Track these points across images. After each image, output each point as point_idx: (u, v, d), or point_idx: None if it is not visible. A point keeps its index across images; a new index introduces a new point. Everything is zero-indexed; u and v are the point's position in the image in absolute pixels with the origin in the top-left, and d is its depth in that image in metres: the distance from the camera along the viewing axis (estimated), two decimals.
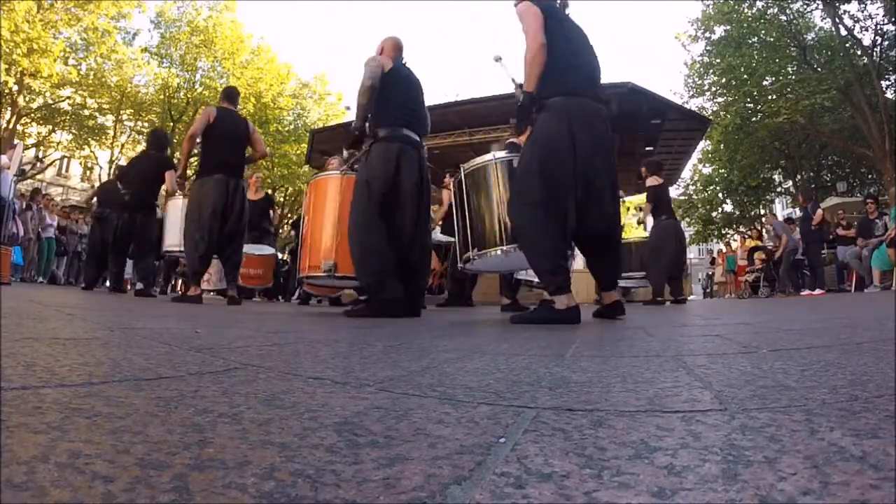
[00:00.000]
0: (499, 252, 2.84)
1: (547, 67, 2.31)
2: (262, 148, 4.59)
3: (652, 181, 6.17)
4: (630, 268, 6.71)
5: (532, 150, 2.38)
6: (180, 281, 9.30)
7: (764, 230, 12.87)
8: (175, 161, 6.39)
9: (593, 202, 2.34)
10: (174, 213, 5.27)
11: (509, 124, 2.62)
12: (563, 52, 2.37)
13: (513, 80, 2.57)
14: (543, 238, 2.30)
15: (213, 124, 4.14)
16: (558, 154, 2.30)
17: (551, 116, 2.35)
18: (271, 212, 7.59)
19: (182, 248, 4.54)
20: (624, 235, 7.21)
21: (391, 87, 2.97)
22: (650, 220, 6.33)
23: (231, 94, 4.59)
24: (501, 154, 2.95)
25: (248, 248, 5.69)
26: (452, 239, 6.58)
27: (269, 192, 7.20)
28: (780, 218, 12.36)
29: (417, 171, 2.95)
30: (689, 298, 8.57)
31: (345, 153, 3.47)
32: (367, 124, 2.98)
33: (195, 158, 5.43)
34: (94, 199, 6.90)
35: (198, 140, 4.25)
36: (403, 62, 3.21)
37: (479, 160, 3.03)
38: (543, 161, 2.31)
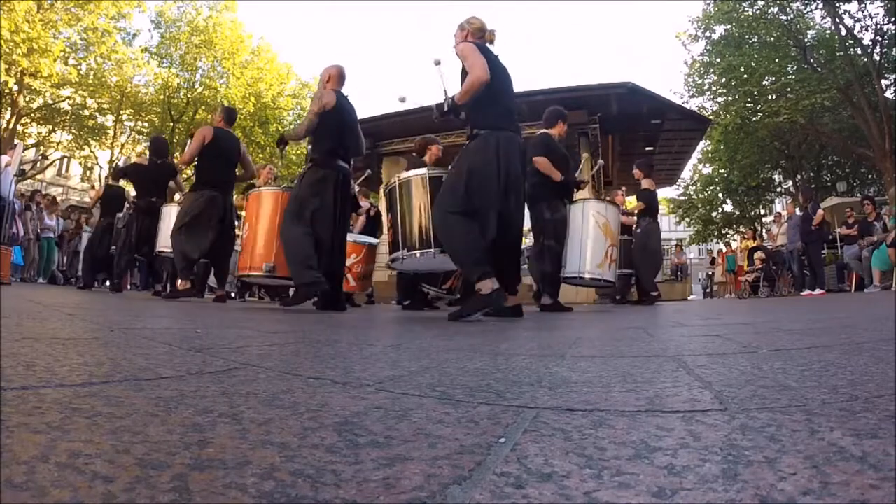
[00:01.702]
0: (423, 253, 3.18)
1: (482, 102, 2.71)
2: (252, 170, 4.94)
3: (647, 184, 6.30)
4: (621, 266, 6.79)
5: (462, 169, 2.74)
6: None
7: (764, 230, 12.87)
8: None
9: (507, 218, 2.77)
10: (169, 218, 5.40)
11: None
12: (496, 90, 2.75)
13: (445, 91, 2.89)
14: (466, 239, 2.63)
15: (211, 143, 4.38)
16: (487, 175, 2.69)
17: (484, 143, 2.73)
18: None
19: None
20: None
21: (329, 123, 3.47)
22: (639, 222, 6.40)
23: (232, 115, 4.87)
24: (434, 171, 3.32)
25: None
26: None
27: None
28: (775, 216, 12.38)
29: (341, 193, 3.51)
30: (689, 298, 8.59)
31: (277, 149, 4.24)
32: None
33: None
34: (98, 201, 6.92)
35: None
36: (342, 91, 3.67)
37: (411, 173, 3.35)
38: (472, 178, 2.68)
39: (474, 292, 2.58)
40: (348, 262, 4.31)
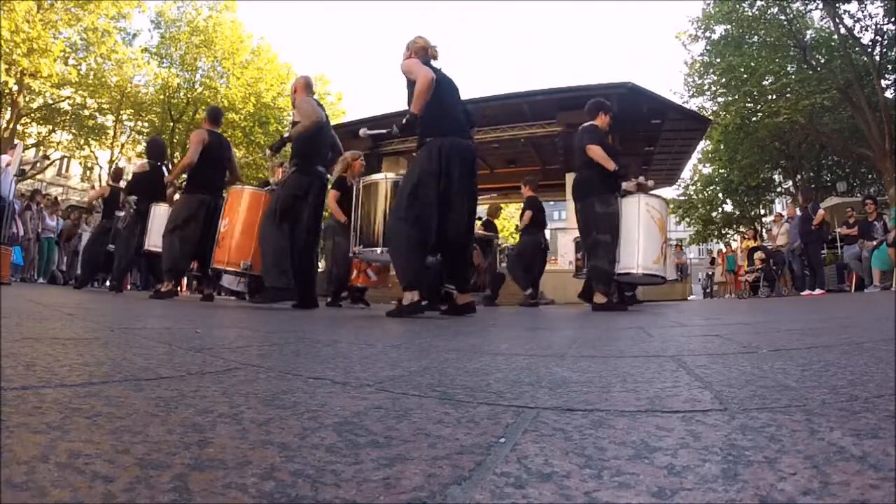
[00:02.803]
0: (378, 251, 3.47)
1: (426, 114, 2.88)
2: (238, 173, 5.01)
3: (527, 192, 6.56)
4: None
5: (409, 177, 2.99)
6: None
7: (764, 230, 12.86)
8: (171, 164, 6.50)
9: (452, 220, 2.95)
10: (157, 217, 5.42)
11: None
12: (439, 101, 2.96)
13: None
14: (405, 245, 2.87)
15: (207, 146, 4.42)
16: (429, 181, 2.90)
17: (428, 152, 2.94)
18: None
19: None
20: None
21: (313, 132, 3.70)
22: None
23: (217, 115, 4.90)
24: (392, 175, 3.60)
25: None
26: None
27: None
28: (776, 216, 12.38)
29: (316, 197, 3.76)
30: (689, 298, 8.58)
31: (268, 151, 4.47)
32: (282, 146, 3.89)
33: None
34: (98, 201, 6.92)
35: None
36: (315, 98, 3.97)
37: (375, 177, 3.68)
38: (416, 185, 2.90)
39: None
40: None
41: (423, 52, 3.12)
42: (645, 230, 4.07)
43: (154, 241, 5.35)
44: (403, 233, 2.87)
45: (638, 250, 4.06)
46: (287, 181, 3.73)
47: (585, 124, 4.16)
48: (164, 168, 5.73)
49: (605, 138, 4.13)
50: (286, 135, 3.87)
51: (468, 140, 3.14)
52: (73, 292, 5.19)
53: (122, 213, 6.31)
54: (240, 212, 4.14)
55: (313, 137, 3.72)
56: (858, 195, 16.38)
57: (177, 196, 5.49)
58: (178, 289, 4.86)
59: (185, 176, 4.73)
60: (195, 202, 4.42)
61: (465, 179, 3.00)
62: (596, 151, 3.86)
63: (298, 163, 3.72)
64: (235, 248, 4.06)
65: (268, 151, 4.46)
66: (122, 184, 6.62)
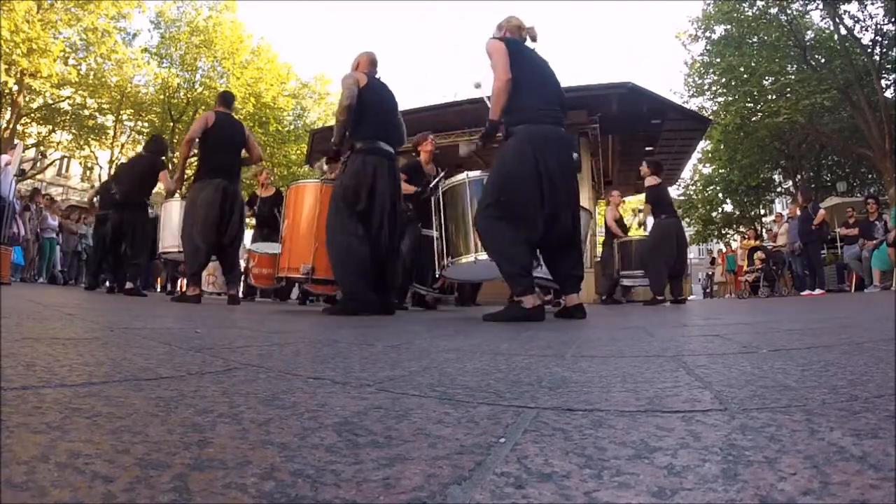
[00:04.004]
0: (471, 259, 3.13)
1: (514, 99, 2.60)
2: (258, 152, 4.67)
3: (651, 181, 6.16)
4: (631, 266, 6.73)
5: (499, 171, 2.65)
6: (181, 281, 9.31)
7: (764, 230, 12.86)
8: (170, 165, 6.44)
9: (555, 216, 2.61)
10: (170, 215, 5.30)
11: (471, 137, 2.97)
12: (528, 84, 2.65)
13: (487, 100, 2.83)
14: (509, 247, 2.56)
15: (211, 129, 4.18)
16: (524, 174, 2.56)
17: (518, 142, 2.61)
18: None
19: (180, 250, 4.62)
20: (630, 235, 7.24)
21: (366, 103, 3.17)
22: (650, 220, 6.32)
23: (228, 98, 4.65)
24: (474, 174, 3.24)
25: (260, 247, 5.73)
26: None
27: (280, 188, 7.19)
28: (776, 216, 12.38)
29: (392, 181, 3.21)
30: (689, 298, 8.58)
31: (324, 165, 3.84)
32: (344, 139, 3.22)
33: (193, 157, 5.52)
34: (96, 198, 6.90)
35: (195, 144, 4.29)
36: (377, 76, 3.40)
37: (455, 179, 3.32)
38: (510, 180, 2.59)
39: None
40: None
41: (516, 31, 2.82)
42: None
43: (168, 242, 5.25)
44: (504, 233, 2.56)
45: None
46: (347, 167, 3.19)
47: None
48: (160, 161, 5.63)
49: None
50: (332, 142, 3.29)
51: (562, 127, 2.76)
52: (72, 292, 5.19)
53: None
54: (297, 211, 3.75)
55: (366, 112, 3.15)
56: (858, 195, 16.37)
57: (173, 201, 5.44)
58: (201, 290, 4.48)
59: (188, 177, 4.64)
60: (210, 188, 4.13)
61: (563, 172, 2.66)
62: None
63: (355, 145, 3.17)
64: (295, 252, 3.65)
65: (324, 166, 3.94)
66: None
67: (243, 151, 4.46)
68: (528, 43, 2.87)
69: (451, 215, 3.23)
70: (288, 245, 3.74)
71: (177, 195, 5.42)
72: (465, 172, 3.31)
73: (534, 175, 2.55)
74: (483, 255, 2.95)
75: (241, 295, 4.81)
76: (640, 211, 7.27)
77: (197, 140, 4.23)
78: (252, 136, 4.63)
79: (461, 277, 3.76)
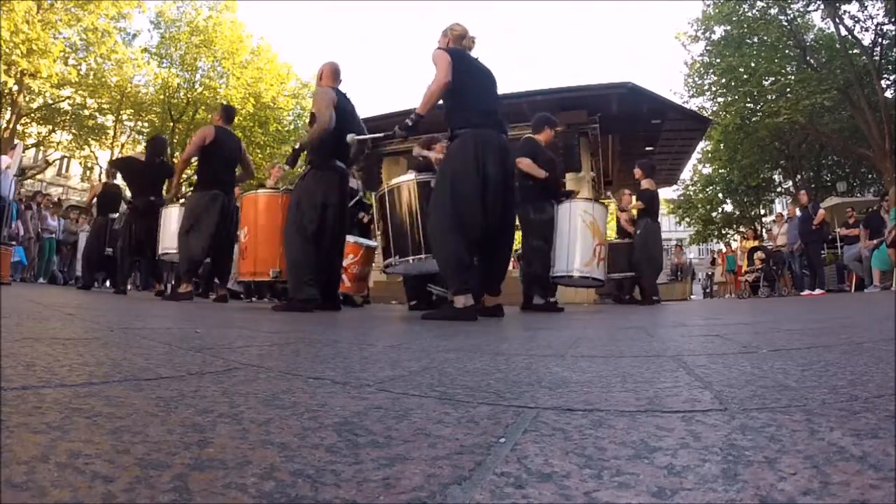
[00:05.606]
0: (414, 259, 3.30)
1: (458, 103, 2.81)
2: (251, 169, 4.93)
3: (648, 184, 6.30)
4: (616, 269, 6.76)
5: (445, 173, 2.83)
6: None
7: (764, 230, 12.85)
8: (171, 162, 6.51)
9: (493, 215, 2.78)
10: (170, 219, 5.37)
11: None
12: (472, 90, 2.85)
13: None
14: (450, 247, 2.71)
15: (213, 143, 4.38)
16: (467, 175, 2.73)
17: (462, 145, 2.79)
18: None
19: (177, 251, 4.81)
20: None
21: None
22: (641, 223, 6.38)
23: (230, 113, 4.85)
24: (422, 176, 3.37)
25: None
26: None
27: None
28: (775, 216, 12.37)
29: (339, 194, 3.49)
30: (689, 298, 8.59)
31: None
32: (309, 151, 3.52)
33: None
34: (94, 199, 6.89)
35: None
36: (341, 90, 3.57)
37: (400, 179, 3.49)
38: (455, 181, 2.75)
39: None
40: (345, 262, 4.30)
41: (459, 40, 2.98)
42: (579, 235, 4.28)
43: (167, 244, 5.31)
44: (447, 233, 2.72)
45: (573, 255, 4.28)
46: (304, 179, 3.47)
47: (525, 137, 4.30)
48: (166, 164, 5.70)
49: (545, 151, 4.23)
50: (297, 146, 3.65)
51: (503, 133, 2.95)
52: (73, 292, 5.19)
53: (115, 215, 6.28)
54: (258, 219, 3.96)
55: (332, 134, 3.38)
56: (858, 195, 16.37)
57: (172, 207, 5.47)
58: (196, 290, 4.73)
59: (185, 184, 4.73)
60: (207, 198, 4.39)
61: (502, 174, 2.85)
62: (524, 164, 3.99)
63: (314, 160, 3.46)
64: (261, 258, 3.87)
65: (286, 167, 4.27)
66: (119, 181, 6.60)
67: (238, 167, 4.69)
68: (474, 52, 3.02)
69: (397, 215, 3.39)
70: (251, 252, 3.95)
71: (176, 204, 5.48)
72: (412, 172, 3.52)
73: (476, 176, 2.73)
74: (426, 255, 3.13)
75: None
76: (624, 209, 7.31)
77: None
78: (247, 153, 4.88)
79: (407, 272, 3.95)
